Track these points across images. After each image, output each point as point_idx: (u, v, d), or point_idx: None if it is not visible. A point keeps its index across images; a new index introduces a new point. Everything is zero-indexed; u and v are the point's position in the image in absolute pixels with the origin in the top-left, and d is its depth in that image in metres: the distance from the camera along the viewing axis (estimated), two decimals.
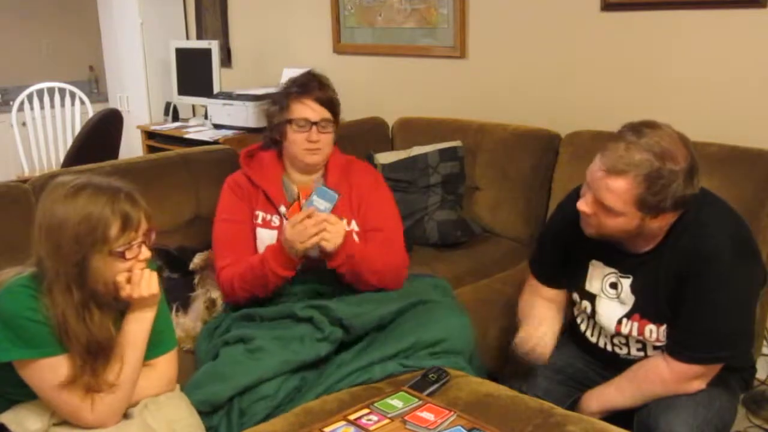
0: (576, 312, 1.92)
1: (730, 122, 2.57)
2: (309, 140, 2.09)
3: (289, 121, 2.10)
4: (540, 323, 1.87)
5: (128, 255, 1.54)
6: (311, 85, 2.12)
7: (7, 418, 1.59)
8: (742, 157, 2.32)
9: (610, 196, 1.59)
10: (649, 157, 1.55)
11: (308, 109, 2.10)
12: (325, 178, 2.18)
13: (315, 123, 2.09)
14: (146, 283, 1.58)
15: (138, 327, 1.62)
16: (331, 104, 2.13)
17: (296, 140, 2.10)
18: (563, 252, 1.87)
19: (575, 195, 1.83)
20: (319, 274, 2.08)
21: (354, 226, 2.12)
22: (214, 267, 2.15)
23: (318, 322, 1.92)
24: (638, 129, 1.59)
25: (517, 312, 1.97)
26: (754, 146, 2.33)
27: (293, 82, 2.17)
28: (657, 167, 1.55)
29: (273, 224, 2.10)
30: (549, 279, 1.93)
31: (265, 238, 2.08)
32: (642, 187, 1.56)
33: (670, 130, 1.61)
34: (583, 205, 1.66)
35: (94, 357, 1.54)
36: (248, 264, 2.02)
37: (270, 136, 2.19)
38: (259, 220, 2.11)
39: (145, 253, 1.58)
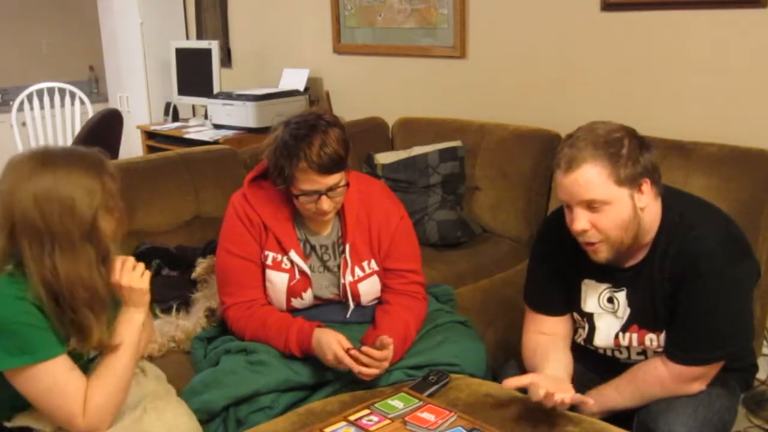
0: (575, 326, 1.90)
1: (730, 122, 2.57)
2: (318, 208, 1.90)
3: (296, 196, 1.91)
4: (544, 369, 1.77)
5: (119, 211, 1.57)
6: (312, 151, 1.82)
7: (24, 420, 1.59)
8: (742, 157, 2.32)
9: (587, 188, 1.60)
10: (593, 138, 1.62)
11: (314, 183, 1.86)
12: (342, 222, 2.02)
13: (323, 193, 1.88)
14: (137, 275, 1.59)
15: (127, 330, 1.60)
16: (339, 162, 1.86)
17: (306, 207, 1.92)
18: (555, 276, 1.85)
19: (553, 219, 1.84)
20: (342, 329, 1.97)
21: (374, 265, 2.02)
22: (218, 295, 2.09)
23: None
24: (570, 135, 1.68)
25: (522, 355, 1.90)
26: (754, 146, 2.33)
27: (292, 139, 1.85)
28: (603, 140, 1.61)
29: (284, 266, 1.98)
30: (547, 308, 1.88)
31: (276, 280, 1.98)
32: (605, 161, 1.59)
33: (596, 121, 1.70)
34: (578, 224, 1.64)
35: (103, 309, 1.53)
36: (263, 326, 1.94)
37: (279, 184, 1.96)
38: (269, 261, 1.98)
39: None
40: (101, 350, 1.58)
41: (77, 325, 1.51)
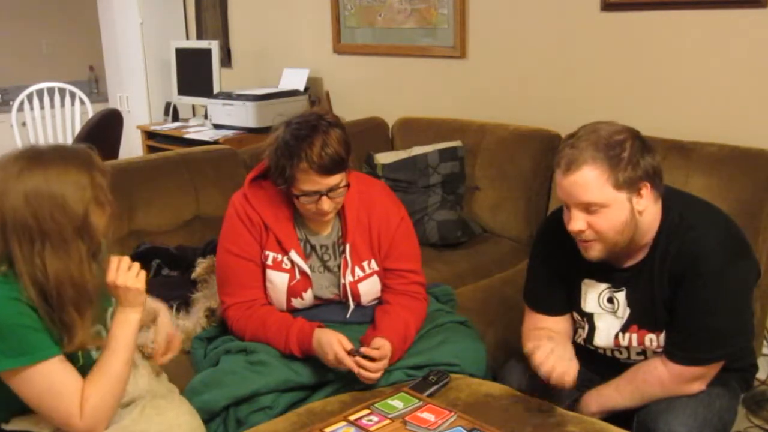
0: (575, 326, 1.90)
1: (730, 122, 2.57)
2: (319, 208, 1.90)
3: (297, 196, 1.90)
4: (551, 347, 1.73)
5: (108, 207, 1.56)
6: (313, 151, 1.82)
7: (22, 423, 1.59)
8: (742, 157, 2.32)
9: (585, 191, 1.60)
10: (594, 139, 1.61)
11: (315, 183, 1.86)
12: (343, 222, 2.02)
13: (324, 193, 1.88)
14: (132, 274, 1.59)
15: (122, 331, 1.59)
16: (340, 163, 1.86)
17: (306, 207, 1.92)
18: (555, 276, 1.85)
19: (553, 219, 1.83)
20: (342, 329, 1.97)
21: (374, 265, 2.02)
22: (218, 295, 2.09)
23: None
24: (572, 134, 1.67)
25: (525, 352, 1.85)
26: (754, 146, 2.33)
27: (293, 139, 1.85)
28: (605, 142, 1.60)
29: (284, 266, 1.97)
30: (547, 307, 1.88)
31: (276, 280, 1.98)
32: (605, 164, 1.59)
33: (600, 121, 1.68)
34: (574, 225, 1.65)
35: (88, 307, 1.53)
36: (263, 326, 1.94)
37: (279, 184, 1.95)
38: (270, 261, 1.98)
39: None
40: (83, 350, 1.57)
41: (65, 324, 1.51)
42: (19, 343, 1.45)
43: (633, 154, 1.60)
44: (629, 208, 1.62)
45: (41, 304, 1.47)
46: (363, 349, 1.80)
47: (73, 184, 1.48)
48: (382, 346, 1.83)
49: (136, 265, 1.61)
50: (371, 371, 1.80)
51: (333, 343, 1.80)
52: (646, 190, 1.63)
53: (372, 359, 1.80)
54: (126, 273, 1.58)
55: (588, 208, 1.62)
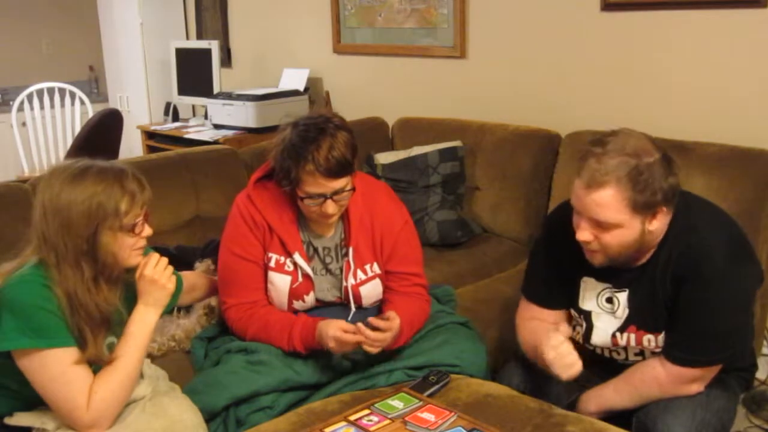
0: (573, 324, 1.90)
1: (730, 122, 2.57)
2: (323, 211, 1.88)
3: (301, 198, 1.89)
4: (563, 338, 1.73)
5: (136, 230, 1.59)
6: (320, 154, 1.80)
7: (25, 419, 1.60)
8: (742, 157, 2.32)
9: (602, 210, 1.58)
10: (624, 158, 1.56)
11: (320, 186, 1.84)
12: (346, 224, 2.01)
13: (329, 196, 1.87)
14: (167, 273, 1.64)
15: (138, 330, 1.62)
16: (346, 166, 1.84)
17: (311, 210, 1.90)
18: (555, 270, 1.85)
19: (560, 213, 1.83)
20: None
21: (376, 268, 2.01)
22: (219, 295, 2.09)
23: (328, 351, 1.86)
24: (601, 140, 1.61)
25: (522, 345, 1.88)
26: (754, 146, 2.33)
27: (300, 141, 1.83)
28: (634, 164, 1.56)
29: (287, 269, 1.97)
30: (545, 301, 1.88)
31: (278, 282, 1.97)
32: (628, 189, 1.56)
33: (629, 130, 1.63)
34: (582, 235, 1.64)
35: (99, 328, 1.56)
36: (264, 327, 1.94)
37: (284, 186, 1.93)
38: (272, 263, 1.97)
39: (148, 230, 1.63)
40: (97, 363, 1.59)
41: (80, 333, 1.54)
42: (40, 325, 1.48)
43: (657, 179, 1.57)
44: (640, 229, 1.61)
45: (66, 304, 1.52)
46: (370, 319, 1.80)
47: (87, 205, 1.52)
48: (393, 318, 1.82)
49: (171, 268, 1.67)
50: (376, 338, 1.79)
51: (330, 329, 1.80)
52: (662, 214, 1.62)
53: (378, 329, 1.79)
54: (161, 270, 1.64)
55: (600, 224, 1.61)
